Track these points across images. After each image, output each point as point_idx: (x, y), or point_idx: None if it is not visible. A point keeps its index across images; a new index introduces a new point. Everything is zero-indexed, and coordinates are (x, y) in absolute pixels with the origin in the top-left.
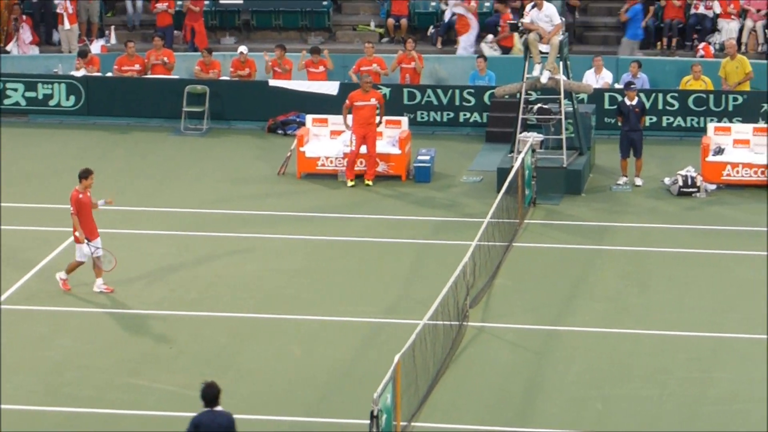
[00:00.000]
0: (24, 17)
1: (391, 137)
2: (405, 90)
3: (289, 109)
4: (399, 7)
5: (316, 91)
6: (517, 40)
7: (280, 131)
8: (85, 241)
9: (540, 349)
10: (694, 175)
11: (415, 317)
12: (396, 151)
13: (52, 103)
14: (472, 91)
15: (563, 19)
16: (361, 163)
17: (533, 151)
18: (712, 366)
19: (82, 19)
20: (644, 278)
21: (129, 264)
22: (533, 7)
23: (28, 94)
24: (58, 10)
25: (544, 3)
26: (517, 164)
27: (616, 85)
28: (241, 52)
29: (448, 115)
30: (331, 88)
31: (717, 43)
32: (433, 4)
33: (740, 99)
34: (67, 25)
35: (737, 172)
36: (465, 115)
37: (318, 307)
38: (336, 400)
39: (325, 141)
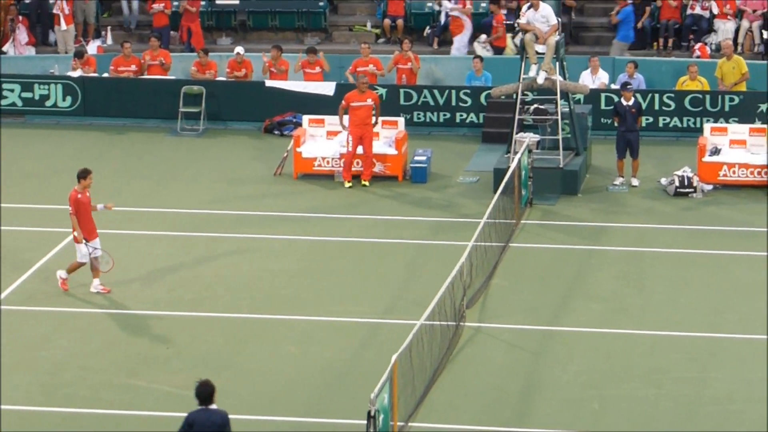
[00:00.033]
0: (20, 18)
1: (387, 138)
2: (401, 90)
3: (285, 110)
4: (395, 8)
5: (312, 91)
6: (509, 41)
7: (276, 132)
8: (83, 241)
9: (537, 350)
10: (690, 175)
11: (412, 317)
12: (392, 151)
13: (48, 103)
14: (469, 91)
15: (559, 19)
16: (357, 163)
17: (530, 151)
18: (709, 366)
19: (79, 19)
20: (640, 278)
21: (126, 264)
22: (529, 7)
23: (25, 94)
24: (54, 11)
25: (541, 3)
26: (513, 165)
27: (613, 86)
28: (238, 53)
29: (445, 115)
30: (327, 88)
31: (713, 44)
32: (429, 4)
33: (737, 99)
34: (63, 26)
35: (734, 172)
36: (461, 115)
37: (315, 307)
38: (333, 400)
39: (322, 141)
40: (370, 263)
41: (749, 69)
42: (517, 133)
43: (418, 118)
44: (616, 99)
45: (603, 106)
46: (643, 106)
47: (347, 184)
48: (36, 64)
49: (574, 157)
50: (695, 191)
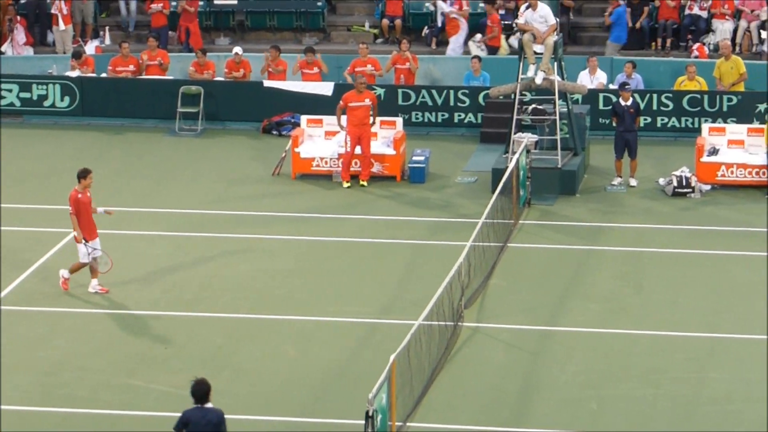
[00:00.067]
0: (18, 18)
1: (385, 138)
2: (399, 91)
3: (283, 110)
4: (393, 8)
5: (310, 91)
6: (503, 41)
7: (274, 132)
8: (83, 241)
9: (535, 350)
10: (688, 175)
11: (410, 317)
12: (391, 151)
13: (46, 103)
14: (467, 91)
15: (557, 19)
16: (355, 163)
17: (528, 151)
18: (707, 366)
19: (77, 19)
20: (639, 278)
21: (124, 264)
22: (528, 7)
23: (23, 94)
24: (52, 11)
25: (539, 3)
26: (511, 165)
27: (611, 86)
28: (236, 53)
29: (443, 115)
30: (325, 88)
31: (711, 44)
32: (427, 4)
33: (735, 99)
34: (61, 26)
35: (732, 172)
36: (460, 115)
37: (313, 307)
38: (331, 400)
39: (320, 142)
40: (368, 263)
41: (747, 69)
42: (515, 133)
43: (417, 118)
44: (614, 99)
45: (601, 106)
46: (642, 106)
47: (345, 184)
48: (34, 65)
49: (573, 158)
50: (693, 191)
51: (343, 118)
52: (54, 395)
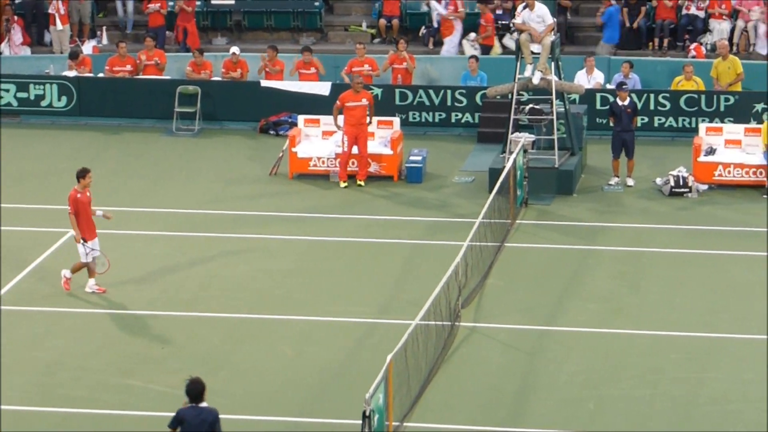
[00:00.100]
0: (15, 18)
1: (383, 138)
2: (397, 90)
3: (281, 110)
4: (391, 8)
5: (308, 91)
6: (497, 41)
7: (272, 132)
8: (81, 241)
9: (532, 349)
10: (685, 175)
11: (407, 317)
12: (388, 151)
13: (44, 103)
14: (464, 91)
15: (555, 19)
16: (352, 163)
17: (525, 151)
18: (705, 366)
19: (74, 19)
20: (636, 278)
21: (122, 264)
22: (525, 7)
23: (20, 94)
24: (49, 11)
25: (536, 3)
26: (508, 165)
27: (608, 86)
28: (234, 53)
29: (440, 115)
30: (322, 88)
31: (708, 44)
32: (424, 5)
33: (732, 99)
34: (58, 26)
35: (729, 172)
36: (457, 115)
37: (310, 307)
38: (328, 400)
39: (317, 141)
40: (365, 263)
41: (744, 69)
42: (512, 133)
43: (414, 118)
44: (611, 99)
45: (598, 106)
46: (639, 106)
47: (342, 184)
48: (31, 64)
49: (570, 157)
50: (690, 191)
51: (340, 117)
52: (52, 395)
